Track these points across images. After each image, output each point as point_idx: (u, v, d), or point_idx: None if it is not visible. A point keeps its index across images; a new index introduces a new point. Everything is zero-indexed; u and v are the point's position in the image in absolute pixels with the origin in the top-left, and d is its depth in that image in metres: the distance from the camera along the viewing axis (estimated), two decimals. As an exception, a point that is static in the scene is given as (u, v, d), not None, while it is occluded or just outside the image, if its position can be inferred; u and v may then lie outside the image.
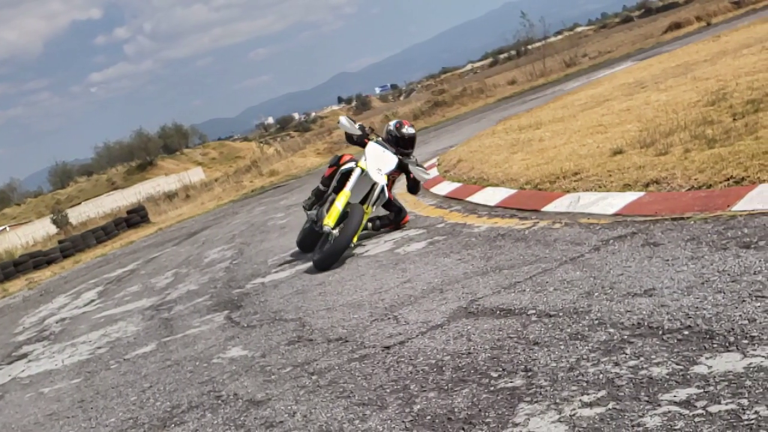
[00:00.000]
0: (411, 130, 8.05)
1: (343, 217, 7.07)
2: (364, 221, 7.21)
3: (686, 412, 2.36)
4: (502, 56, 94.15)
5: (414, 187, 8.10)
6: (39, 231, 40.63)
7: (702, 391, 2.46)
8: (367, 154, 7.58)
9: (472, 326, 3.90)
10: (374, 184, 7.41)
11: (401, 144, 7.89)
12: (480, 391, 3.06)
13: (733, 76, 9.95)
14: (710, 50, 16.29)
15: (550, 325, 3.52)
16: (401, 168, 7.81)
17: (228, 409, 3.97)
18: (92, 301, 10.89)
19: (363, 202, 7.38)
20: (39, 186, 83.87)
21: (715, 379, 2.50)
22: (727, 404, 2.32)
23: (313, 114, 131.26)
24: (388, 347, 4.03)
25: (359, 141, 7.91)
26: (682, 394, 2.48)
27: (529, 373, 3.06)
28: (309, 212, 7.96)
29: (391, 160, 7.62)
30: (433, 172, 10.71)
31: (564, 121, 12.05)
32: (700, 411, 2.34)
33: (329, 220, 7.00)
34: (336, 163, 7.90)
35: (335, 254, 6.78)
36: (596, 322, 3.36)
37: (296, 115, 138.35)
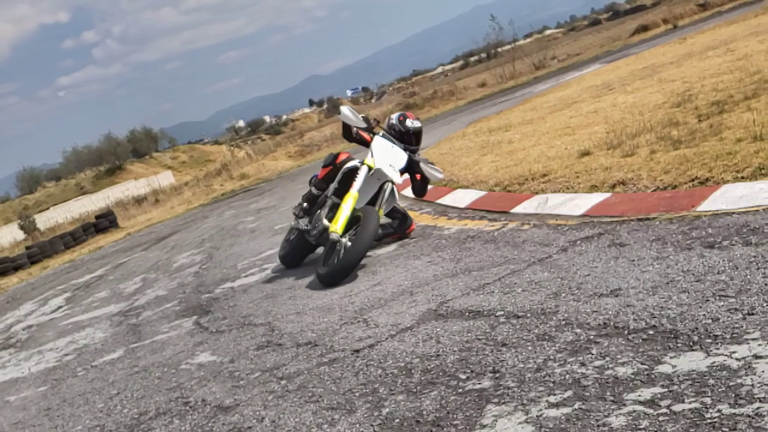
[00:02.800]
0: (417, 124, 7.00)
1: (351, 223, 6.14)
2: None
3: (651, 411, 2.38)
4: (472, 59, 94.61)
5: (422, 188, 7.07)
6: (6, 237, 39.99)
7: (666, 390, 2.48)
8: (373, 149, 6.59)
9: (441, 328, 3.91)
10: (383, 184, 6.50)
11: (406, 139, 6.88)
12: (448, 393, 3.06)
13: (698, 77, 10.10)
14: (676, 52, 16.52)
15: (518, 326, 3.54)
16: (408, 166, 6.77)
17: (196, 415, 3.94)
18: (60, 307, 10.74)
19: (370, 205, 6.44)
20: (6, 191, 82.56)
21: (679, 378, 2.53)
22: (690, 403, 2.35)
23: (285, 117, 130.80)
24: (357, 351, 4.02)
25: (358, 137, 6.86)
26: (646, 393, 2.50)
27: (497, 375, 3.07)
28: (301, 220, 6.98)
29: (401, 156, 6.65)
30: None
31: (533, 123, 12.15)
32: (664, 410, 2.36)
33: (336, 227, 6.02)
34: (332, 162, 6.89)
35: (349, 267, 5.78)
36: (563, 322, 3.38)
37: (267, 118, 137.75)
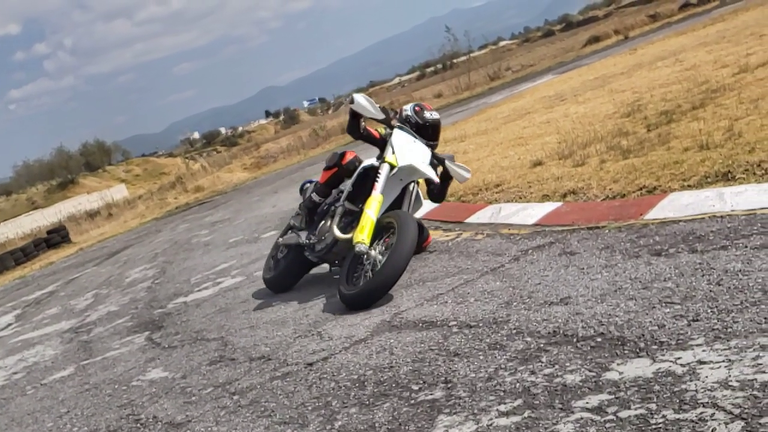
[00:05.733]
0: (435, 115, 5.94)
1: (378, 232, 5.15)
2: None
3: (598, 418, 2.40)
4: (428, 70, 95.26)
5: (441, 192, 5.94)
6: (-46, 253, 38.99)
7: (613, 396, 2.51)
8: (394, 143, 5.48)
9: (394, 339, 3.90)
10: (408, 185, 5.59)
11: (423, 133, 5.73)
12: (401, 405, 3.05)
13: (647, 88, 10.31)
14: (627, 63, 16.86)
15: (470, 336, 3.55)
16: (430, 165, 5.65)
17: (147, 432, 3.87)
18: (9, 324, 10.49)
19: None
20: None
21: (626, 384, 2.56)
22: (636, 409, 2.37)
23: (240, 128, 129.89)
24: (311, 364, 3.99)
25: (366, 133, 5.78)
26: (594, 400, 2.53)
27: (449, 385, 3.08)
28: (301, 233, 5.93)
29: (425, 152, 5.57)
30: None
31: (487, 133, 12.27)
32: (611, 417, 2.38)
33: (363, 237, 4.98)
34: (337, 163, 5.83)
35: (387, 285, 4.74)
36: (514, 331, 3.41)
37: (223, 130, 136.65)
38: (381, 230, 5.13)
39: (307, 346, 4.34)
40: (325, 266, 6.12)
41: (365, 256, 5.01)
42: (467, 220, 6.29)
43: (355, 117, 5.68)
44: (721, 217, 4.07)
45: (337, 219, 5.46)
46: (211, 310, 6.32)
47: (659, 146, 6.09)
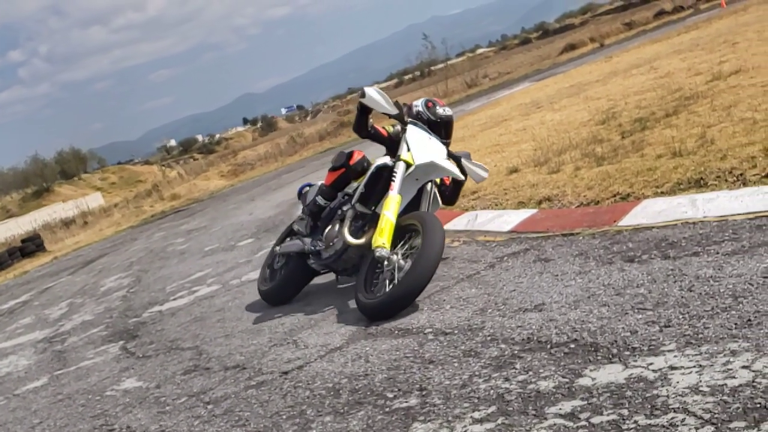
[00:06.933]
0: (448, 111, 5.57)
1: (397, 235, 4.70)
2: None
3: (571, 424, 2.41)
4: (406, 77, 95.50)
5: (453, 193, 5.62)
6: (-74, 263, 38.37)
7: (586, 403, 2.51)
8: (409, 140, 5.07)
9: (370, 347, 3.90)
10: (425, 185, 5.17)
11: (435, 131, 5.34)
12: (375, 413, 3.05)
13: (622, 95, 10.39)
14: (602, 71, 16.99)
15: (445, 343, 3.56)
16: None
17: (120, 443, 3.83)
18: (-19, 335, 10.35)
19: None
20: (-73, 215, 79.48)
21: (599, 390, 2.57)
22: (608, 415, 2.38)
23: (218, 136, 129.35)
24: (286, 372, 3.97)
25: (374, 131, 5.42)
26: (567, 406, 2.54)
27: (424, 392, 3.07)
28: (306, 239, 5.46)
29: (440, 150, 5.17)
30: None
31: (464, 140, 12.32)
32: (583, 423, 2.39)
33: (383, 241, 4.55)
34: (345, 163, 5.41)
35: (414, 293, 4.31)
36: (489, 338, 3.41)
37: (200, 137, 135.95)
38: (400, 233, 4.72)
39: (282, 354, 4.32)
40: (325, 275, 5.89)
41: (386, 262, 4.57)
42: (444, 227, 6.29)
43: (364, 113, 5.29)
44: (693, 223, 4.11)
45: (347, 223, 5.03)
46: (186, 319, 6.28)
47: (633, 153, 6.14)
